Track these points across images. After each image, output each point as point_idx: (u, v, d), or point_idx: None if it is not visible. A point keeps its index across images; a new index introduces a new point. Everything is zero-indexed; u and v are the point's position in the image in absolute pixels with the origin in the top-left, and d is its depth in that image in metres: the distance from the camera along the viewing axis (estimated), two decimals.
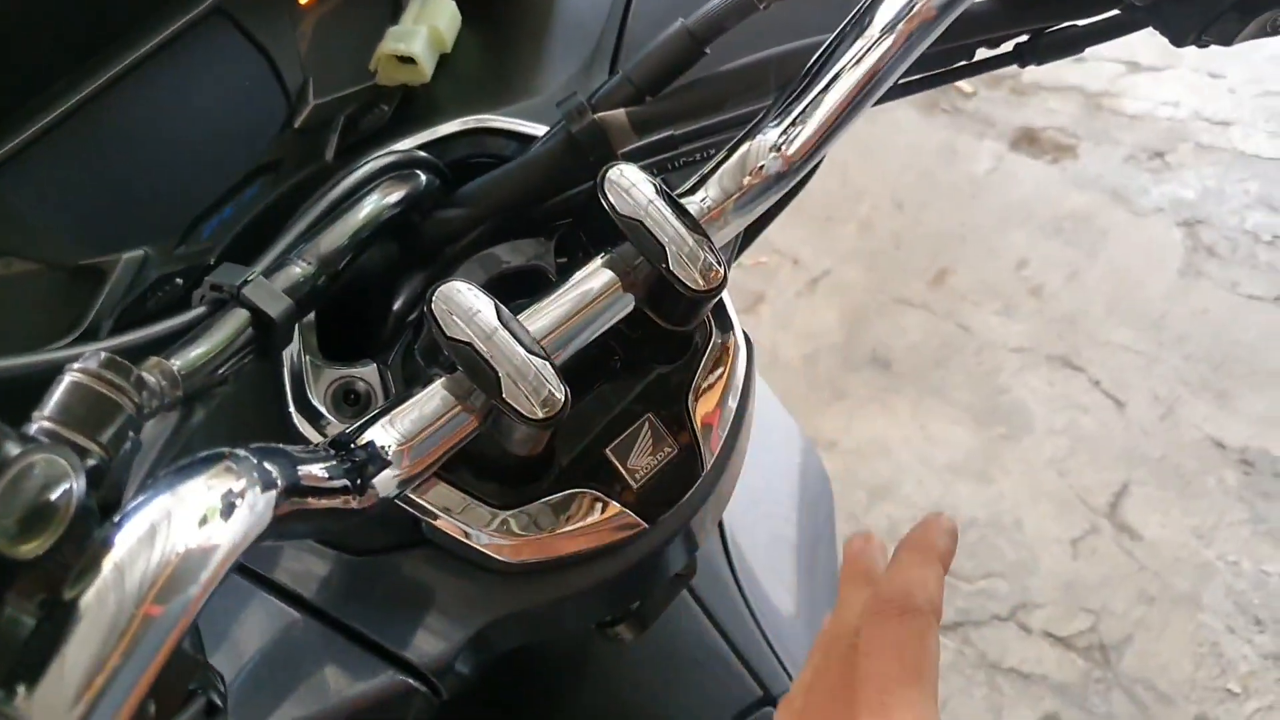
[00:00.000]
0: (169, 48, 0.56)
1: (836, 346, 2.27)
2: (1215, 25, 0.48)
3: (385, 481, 0.41)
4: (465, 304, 0.42)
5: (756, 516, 0.99)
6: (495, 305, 0.42)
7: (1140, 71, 2.70)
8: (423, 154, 0.52)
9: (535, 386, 0.41)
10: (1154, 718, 1.69)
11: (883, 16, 0.48)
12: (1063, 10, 0.52)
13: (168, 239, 0.56)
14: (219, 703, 0.33)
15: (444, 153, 0.54)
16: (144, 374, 0.36)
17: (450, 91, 0.61)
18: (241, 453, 0.33)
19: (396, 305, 0.52)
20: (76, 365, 0.33)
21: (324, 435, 0.47)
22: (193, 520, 0.30)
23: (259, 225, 0.56)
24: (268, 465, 0.34)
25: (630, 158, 0.52)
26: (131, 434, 0.33)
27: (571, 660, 0.74)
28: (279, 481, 0.34)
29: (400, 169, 0.51)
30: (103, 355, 0.33)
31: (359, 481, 0.40)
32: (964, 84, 2.74)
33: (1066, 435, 2.04)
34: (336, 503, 0.38)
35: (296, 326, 0.50)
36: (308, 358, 0.49)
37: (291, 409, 0.48)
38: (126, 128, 0.56)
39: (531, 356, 0.41)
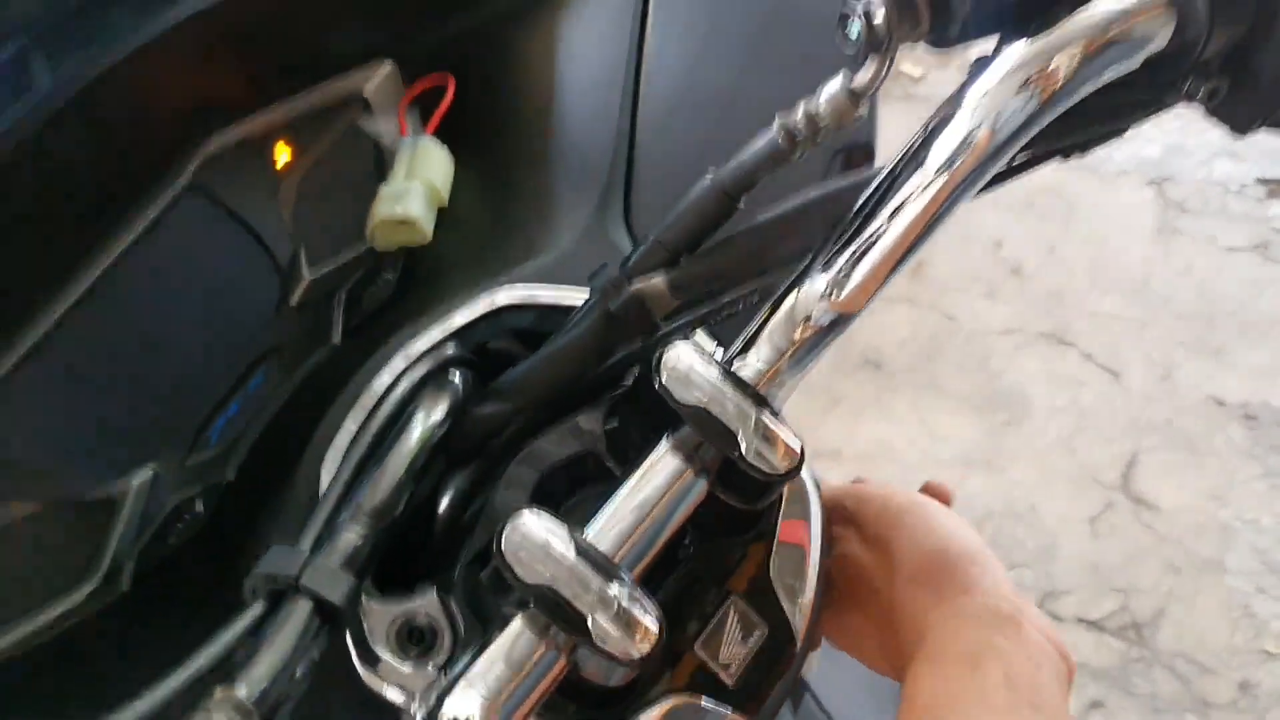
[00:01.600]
0: (145, 239, 0.52)
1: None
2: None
3: None
4: (536, 538, 0.38)
5: None
6: (568, 533, 0.38)
7: None
8: (454, 352, 0.48)
9: (627, 622, 0.37)
10: (1199, 691, 1.68)
11: (940, 152, 0.44)
12: (1115, 118, 0.49)
13: (176, 451, 0.52)
14: None
15: (467, 337, 0.50)
16: (213, 714, 0.32)
17: (456, 250, 0.57)
18: None
19: (441, 509, 0.48)
20: None
21: (397, 686, 0.43)
22: None
23: (278, 429, 0.52)
24: None
25: (669, 316, 0.49)
26: None
27: None
28: None
29: (434, 377, 0.46)
30: None
31: None
32: (912, 68, 2.72)
33: (1068, 413, 2.02)
34: None
35: None
36: (362, 597, 0.45)
37: (359, 669, 0.44)
38: (112, 335, 0.51)
39: (615, 585, 0.38)
